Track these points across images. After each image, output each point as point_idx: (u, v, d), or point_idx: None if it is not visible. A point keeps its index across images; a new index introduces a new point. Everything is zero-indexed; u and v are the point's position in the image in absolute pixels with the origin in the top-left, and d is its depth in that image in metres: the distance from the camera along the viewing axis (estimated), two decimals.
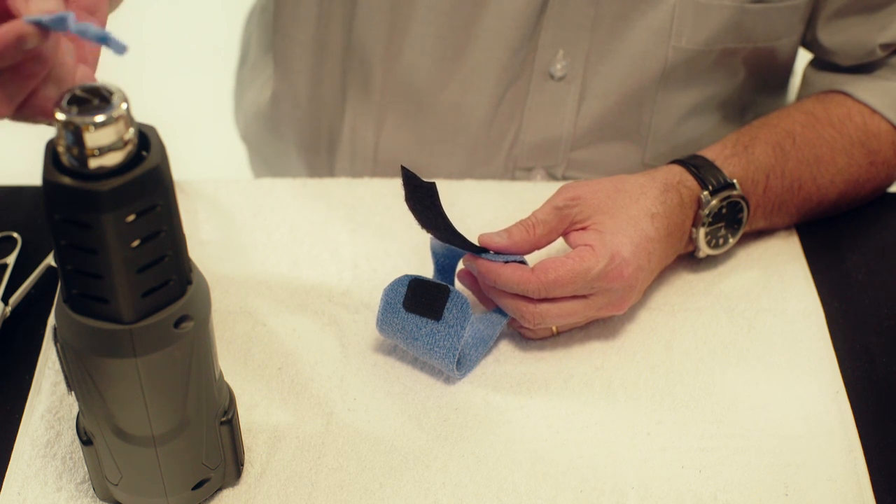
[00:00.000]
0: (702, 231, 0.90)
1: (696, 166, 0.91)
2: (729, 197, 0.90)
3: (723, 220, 0.91)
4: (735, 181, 0.90)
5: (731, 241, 0.93)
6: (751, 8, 0.98)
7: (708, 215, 0.89)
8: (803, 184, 0.95)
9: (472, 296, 0.91)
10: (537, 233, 0.85)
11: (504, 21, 0.99)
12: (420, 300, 0.83)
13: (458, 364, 0.85)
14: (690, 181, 0.90)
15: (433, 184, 0.80)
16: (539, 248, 0.86)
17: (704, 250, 0.92)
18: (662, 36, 0.98)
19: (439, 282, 0.84)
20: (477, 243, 0.84)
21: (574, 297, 0.84)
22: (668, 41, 0.98)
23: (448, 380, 0.86)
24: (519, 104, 1.04)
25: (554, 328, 0.87)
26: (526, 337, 0.88)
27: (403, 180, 0.81)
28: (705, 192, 0.89)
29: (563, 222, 0.86)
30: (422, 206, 0.81)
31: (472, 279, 0.89)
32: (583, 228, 0.85)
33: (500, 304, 0.85)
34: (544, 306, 0.84)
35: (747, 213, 0.92)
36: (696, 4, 0.96)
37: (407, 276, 0.84)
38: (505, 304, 0.85)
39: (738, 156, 0.92)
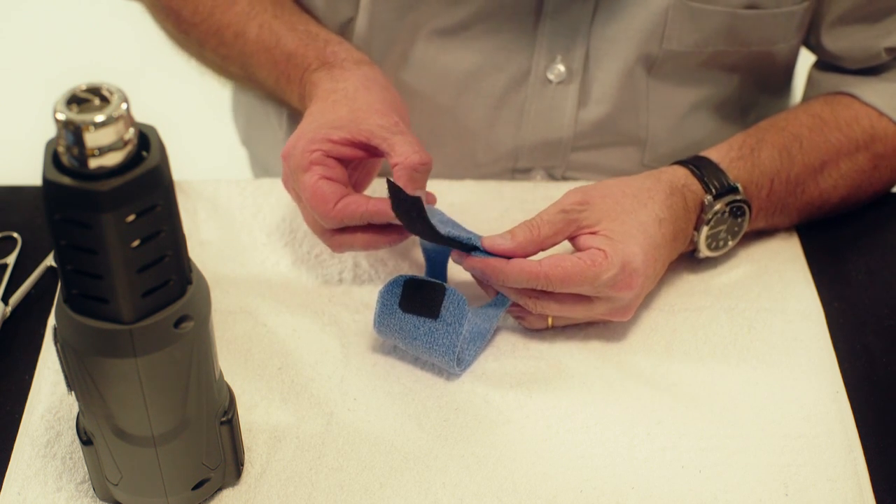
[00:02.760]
0: (703, 234, 0.90)
1: (700, 168, 0.90)
2: (732, 201, 0.90)
3: (724, 223, 0.91)
4: (739, 185, 0.90)
5: (731, 243, 0.93)
6: (743, 13, 0.97)
7: (710, 219, 0.89)
8: (807, 188, 0.95)
9: (468, 287, 0.90)
10: (542, 233, 0.84)
11: (501, 29, 0.99)
12: (416, 300, 0.83)
13: (458, 360, 0.85)
14: (695, 185, 0.90)
15: (418, 198, 0.80)
16: (544, 249, 0.85)
17: (704, 252, 0.92)
18: (654, 38, 0.98)
19: (434, 280, 0.84)
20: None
21: (578, 297, 0.84)
22: (660, 44, 0.98)
23: (448, 380, 0.86)
24: (517, 108, 1.04)
25: (549, 320, 0.87)
26: (522, 325, 0.89)
27: (389, 193, 0.81)
28: (708, 197, 0.89)
29: (570, 226, 0.85)
30: (408, 218, 0.81)
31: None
32: (592, 233, 0.85)
33: (502, 292, 0.86)
34: (546, 301, 0.84)
35: (749, 217, 0.92)
36: (688, 9, 0.96)
37: (401, 276, 0.84)
38: (508, 293, 0.85)
39: (743, 159, 0.92)
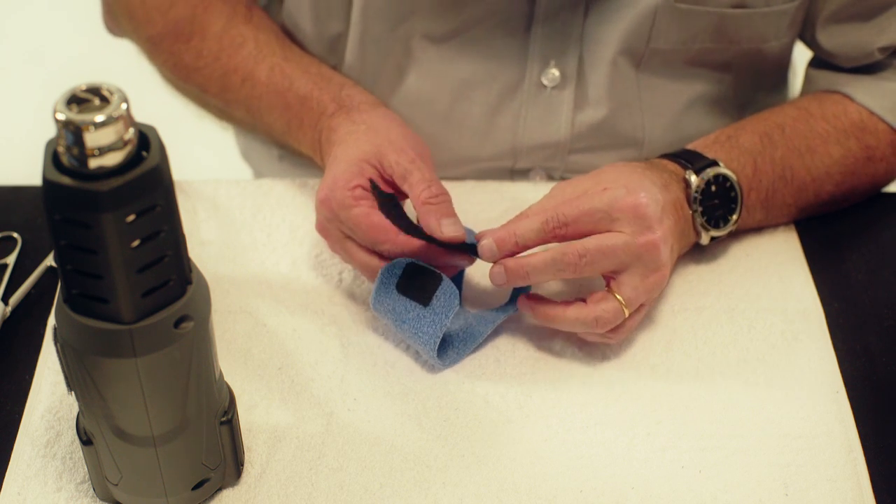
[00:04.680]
0: (696, 209, 0.90)
1: (678, 153, 0.92)
2: (717, 173, 0.90)
3: (716, 197, 0.91)
4: (719, 161, 0.91)
5: (732, 218, 0.92)
6: (732, 13, 0.97)
7: (696, 192, 0.89)
8: (796, 172, 0.95)
9: (478, 292, 0.90)
10: (531, 209, 0.85)
11: (493, 37, 0.99)
12: (412, 284, 0.84)
13: (443, 353, 0.86)
14: (672, 164, 0.91)
15: (393, 195, 0.84)
16: None
17: (704, 233, 0.91)
18: (641, 37, 0.98)
19: (434, 269, 0.84)
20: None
21: (601, 236, 0.83)
22: (646, 42, 0.99)
23: (448, 380, 0.86)
24: (513, 114, 1.04)
25: (625, 311, 0.84)
26: (610, 342, 0.87)
27: (372, 192, 0.84)
28: (689, 172, 0.90)
29: (557, 200, 0.86)
30: (392, 215, 0.83)
31: (533, 300, 0.87)
32: None
33: (527, 270, 0.83)
34: (572, 251, 0.82)
35: (740, 191, 0.92)
36: (677, 10, 0.96)
37: (405, 259, 0.85)
38: (537, 271, 0.83)
39: (721, 143, 0.94)
